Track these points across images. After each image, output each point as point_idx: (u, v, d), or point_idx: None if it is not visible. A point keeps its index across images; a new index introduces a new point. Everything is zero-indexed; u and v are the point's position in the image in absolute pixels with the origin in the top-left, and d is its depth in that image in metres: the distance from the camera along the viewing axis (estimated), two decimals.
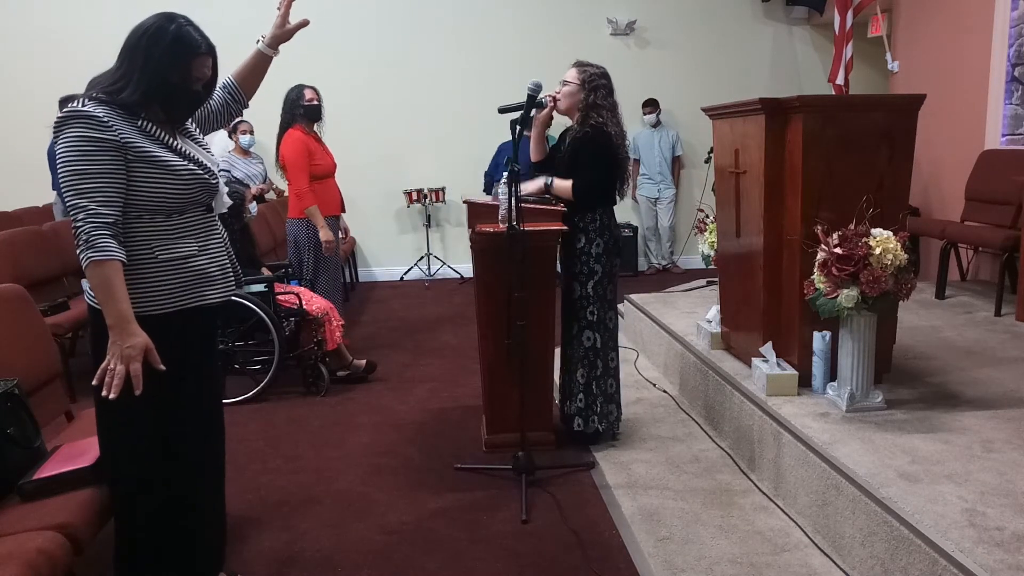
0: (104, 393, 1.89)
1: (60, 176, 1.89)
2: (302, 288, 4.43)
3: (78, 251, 1.87)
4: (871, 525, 2.29)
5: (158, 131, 1.99)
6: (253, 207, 4.61)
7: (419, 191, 7.67)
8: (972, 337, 3.89)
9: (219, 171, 2.18)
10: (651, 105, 7.68)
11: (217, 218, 2.18)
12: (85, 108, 1.89)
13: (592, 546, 2.65)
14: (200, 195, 2.06)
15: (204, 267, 2.08)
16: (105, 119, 1.88)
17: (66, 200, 1.89)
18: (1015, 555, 1.95)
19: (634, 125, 7.51)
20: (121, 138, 1.90)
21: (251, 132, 6.40)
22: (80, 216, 1.85)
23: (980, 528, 2.07)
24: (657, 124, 7.73)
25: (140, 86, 1.93)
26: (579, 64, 3.31)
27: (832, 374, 3.01)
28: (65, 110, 1.91)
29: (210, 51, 2.03)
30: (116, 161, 1.89)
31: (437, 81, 7.79)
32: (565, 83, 3.30)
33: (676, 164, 7.91)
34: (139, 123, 1.95)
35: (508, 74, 7.39)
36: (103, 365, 1.90)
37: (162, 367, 1.93)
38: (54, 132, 1.91)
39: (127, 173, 1.92)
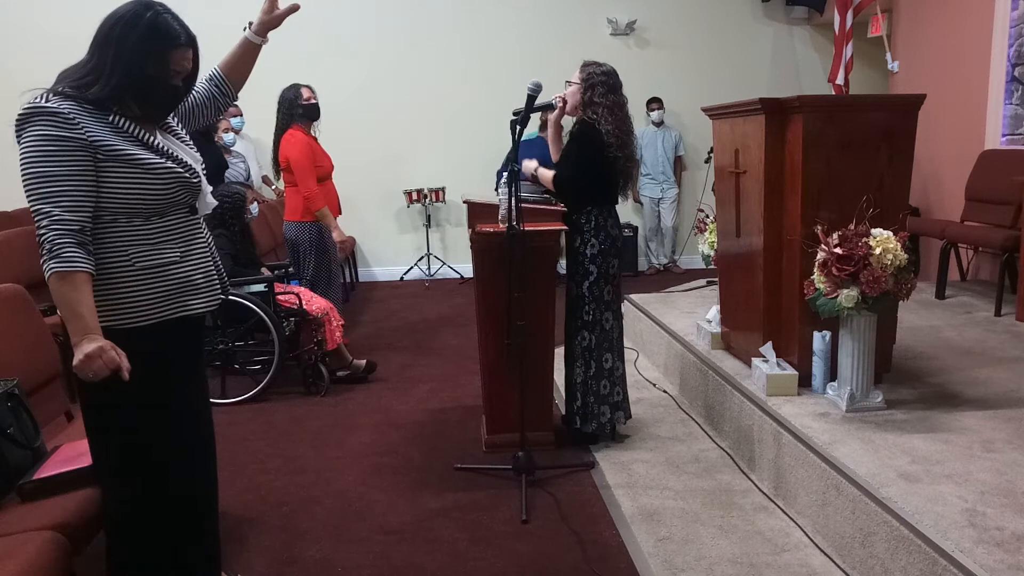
0: (124, 377, 1.76)
1: (22, 178, 1.72)
2: (302, 288, 4.43)
3: (41, 261, 1.72)
4: (871, 525, 2.29)
5: (132, 127, 1.84)
6: (254, 207, 4.61)
7: (419, 191, 7.67)
8: (972, 337, 3.89)
9: (203, 169, 2.05)
10: (656, 103, 7.66)
11: (201, 221, 2.04)
12: (48, 104, 1.74)
13: (592, 546, 2.65)
14: (181, 195, 1.91)
15: (187, 274, 1.94)
16: (71, 116, 1.74)
17: (29, 205, 1.73)
18: (1015, 555, 1.95)
19: (637, 125, 7.49)
20: (89, 136, 1.75)
21: (234, 130, 6.35)
22: (44, 223, 1.70)
23: (980, 528, 2.07)
24: (660, 123, 7.72)
25: (112, 80, 1.78)
26: (584, 64, 3.33)
27: (832, 374, 3.01)
28: (26, 105, 1.76)
29: (190, 42, 1.88)
30: (83, 162, 1.74)
31: (437, 81, 7.79)
32: (569, 83, 3.33)
33: (678, 164, 7.90)
34: (111, 119, 1.81)
35: (508, 74, 7.40)
36: (83, 376, 1.74)
37: (126, 376, 1.77)
38: (16, 130, 1.76)
39: (97, 174, 1.77)
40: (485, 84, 7.68)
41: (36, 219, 1.73)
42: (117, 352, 1.77)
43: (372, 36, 7.68)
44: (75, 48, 1.93)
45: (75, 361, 1.74)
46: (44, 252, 1.72)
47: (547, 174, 3.34)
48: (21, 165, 1.73)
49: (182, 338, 1.99)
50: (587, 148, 3.24)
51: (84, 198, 1.76)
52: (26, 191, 1.74)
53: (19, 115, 1.76)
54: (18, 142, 1.76)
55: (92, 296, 1.76)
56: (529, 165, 3.36)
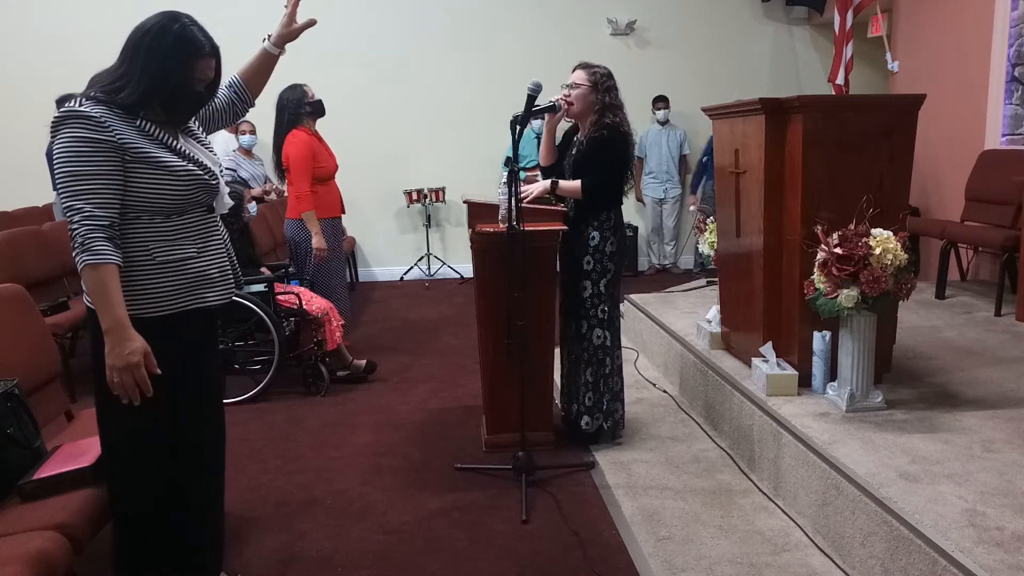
0: (126, 402, 1.89)
1: (57, 177, 1.87)
2: (302, 288, 4.43)
3: (74, 254, 1.85)
4: (871, 525, 2.29)
5: (157, 131, 1.96)
6: (252, 207, 4.60)
7: (419, 191, 7.68)
8: (972, 337, 3.89)
9: (221, 171, 2.16)
10: (662, 101, 7.64)
11: (219, 219, 2.15)
12: (82, 108, 1.86)
13: (592, 546, 2.65)
14: (200, 196, 2.03)
15: (203, 269, 2.05)
16: (102, 119, 1.86)
17: (62, 202, 1.87)
18: (1015, 555, 1.95)
19: (636, 124, 7.48)
20: (118, 139, 1.87)
21: (253, 132, 6.35)
22: (76, 218, 1.83)
23: (980, 528, 2.07)
24: (666, 122, 7.70)
25: (140, 86, 1.91)
26: (586, 65, 3.30)
27: (832, 374, 3.01)
28: (62, 110, 1.88)
29: (214, 52, 2.00)
30: (113, 162, 1.87)
31: (437, 81, 7.80)
32: (575, 86, 3.26)
33: (683, 163, 7.88)
34: (138, 123, 1.93)
35: (508, 74, 7.40)
36: (108, 377, 1.87)
37: (158, 371, 1.91)
38: (51, 132, 1.89)
39: (124, 174, 1.89)
40: (485, 84, 7.68)
41: (69, 215, 1.85)
42: (149, 360, 1.90)
43: (372, 36, 7.68)
44: (73, 51, 1.95)
45: (110, 362, 1.86)
46: (77, 245, 1.84)
47: (572, 185, 3.25)
48: (56, 164, 1.87)
49: (195, 331, 2.09)
50: (618, 152, 3.23)
51: (113, 196, 1.88)
52: (60, 189, 1.87)
53: (55, 118, 1.89)
54: (53, 143, 1.87)
55: (120, 286, 1.88)
56: (537, 188, 3.29)
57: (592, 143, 3.25)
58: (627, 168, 3.32)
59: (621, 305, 3.52)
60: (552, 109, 3.26)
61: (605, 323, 3.32)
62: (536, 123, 6.86)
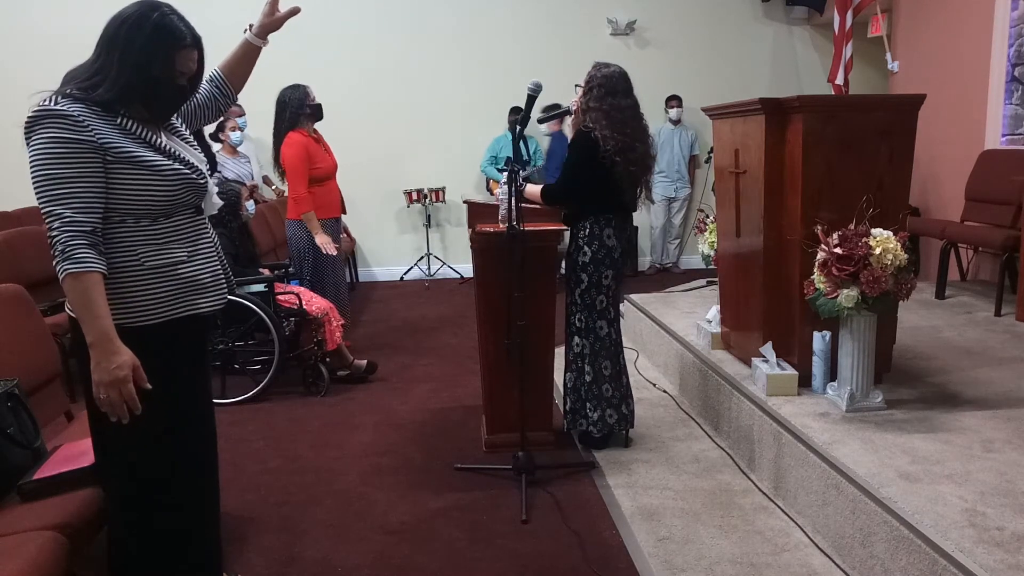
0: (114, 420, 1.81)
1: (33, 181, 1.74)
2: (302, 288, 4.43)
3: (54, 263, 1.74)
4: (871, 525, 2.29)
5: (140, 129, 1.86)
6: (251, 205, 4.59)
7: (419, 191, 7.67)
8: (972, 337, 3.89)
9: (208, 170, 2.06)
10: (675, 100, 7.60)
11: (207, 221, 2.06)
12: (58, 107, 1.74)
13: (592, 546, 2.65)
14: (187, 196, 1.93)
15: (194, 274, 1.96)
16: (80, 118, 1.75)
17: (40, 207, 1.75)
18: (1015, 555, 1.95)
19: (652, 123, 7.45)
20: (98, 138, 1.76)
21: (240, 129, 6.32)
22: (55, 225, 1.72)
23: (980, 528, 2.07)
24: (679, 121, 7.68)
25: (118, 81, 1.79)
26: (591, 66, 3.28)
27: (832, 374, 3.01)
28: (36, 108, 1.76)
29: (196, 43, 1.88)
30: (93, 164, 1.76)
31: (437, 81, 7.79)
32: (578, 87, 3.30)
33: (692, 163, 7.87)
34: (118, 121, 1.82)
35: (508, 74, 7.40)
36: (95, 394, 1.79)
37: (148, 385, 1.82)
38: (25, 133, 1.76)
39: (106, 176, 1.79)
40: (485, 84, 7.68)
41: (47, 221, 1.74)
42: (138, 374, 1.81)
43: (372, 36, 7.68)
44: (74, 48, 1.92)
45: (96, 377, 1.78)
46: (57, 253, 1.74)
47: (533, 190, 3.32)
48: (31, 167, 1.75)
49: (189, 337, 2.01)
50: (578, 156, 3.19)
51: (95, 200, 1.77)
52: (37, 193, 1.76)
53: (28, 118, 1.77)
54: (27, 145, 1.76)
55: (105, 296, 1.78)
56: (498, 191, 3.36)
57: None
58: (599, 174, 3.11)
59: (620, 306, 3.50)
60: (567, 113, 3.37)
61: (582, 332, 3.30)
62: (542, 127, 6.89)
